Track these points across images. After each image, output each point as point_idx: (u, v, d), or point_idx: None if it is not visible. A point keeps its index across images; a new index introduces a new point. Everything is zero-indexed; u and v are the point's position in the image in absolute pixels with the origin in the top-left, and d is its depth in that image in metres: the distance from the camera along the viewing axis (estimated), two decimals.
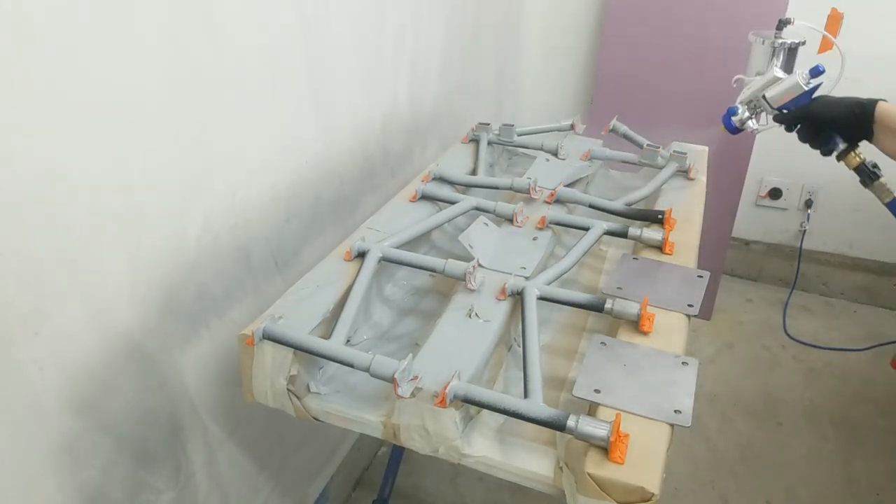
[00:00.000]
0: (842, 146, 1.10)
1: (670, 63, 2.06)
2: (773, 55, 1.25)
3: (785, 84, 1.13)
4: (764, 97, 1.16)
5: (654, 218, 1.10)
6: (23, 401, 0.65)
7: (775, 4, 1.90)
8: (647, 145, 1.31)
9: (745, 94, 1.22)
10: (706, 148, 1.41)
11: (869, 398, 1.96)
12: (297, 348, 0.77)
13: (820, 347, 2.16)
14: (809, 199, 2.34)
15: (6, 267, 0.61)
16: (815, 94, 1.12)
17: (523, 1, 2.19)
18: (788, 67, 1.24)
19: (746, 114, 1.22)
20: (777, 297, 2.44)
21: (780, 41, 1.25)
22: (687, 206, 1.15)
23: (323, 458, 1.34)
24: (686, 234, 1.07)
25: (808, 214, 2.36)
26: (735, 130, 1.25)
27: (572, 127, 1.44)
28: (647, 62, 2.09)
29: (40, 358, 0.66)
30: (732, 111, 1.23)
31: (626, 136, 1.39)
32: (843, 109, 1.07)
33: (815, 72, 1.11)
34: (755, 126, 1.23)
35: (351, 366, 0.75)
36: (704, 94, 2.05)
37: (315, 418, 0.80)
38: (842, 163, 1.12)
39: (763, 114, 1.20)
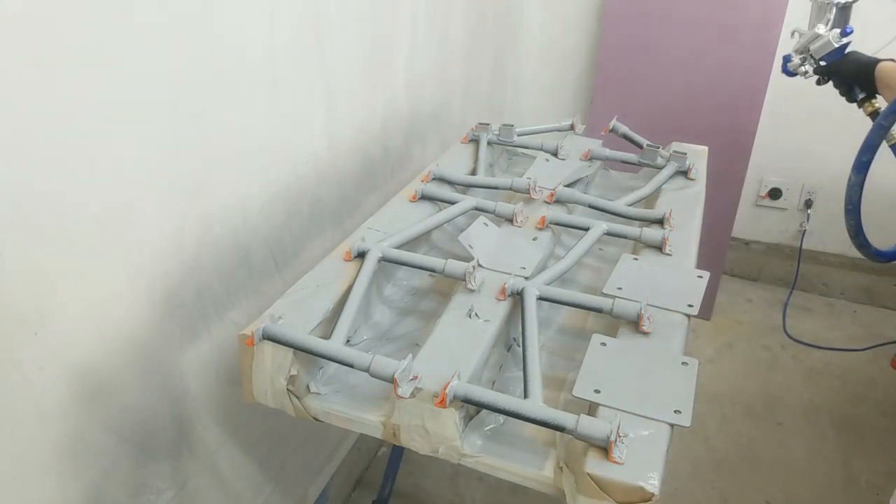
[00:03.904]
0: (860, 96, 1.28)
1: (670, 63, 2.06)
2: (824, 12, 1.34)
3: (821, 41, 1.30)
4: (808, 49, 1.33)
5: (654, 218, 1.10)
6: (23, 401, 0.65)
7: (775, 4, 1.90)
8: (647, 145, 1.31)
9: (796, 45, 1.38)
10: (706, 148, 1.41)
11: (869, 398, 1.96)
12: (297, 348, 0.77)
13: (820, 347, 2.16)
14: (809, 199, 2.34)
15: (6, 267, 0.61)
16: (848, 51, 1.30)
17: (523, 1, 2.19)
18: (840, 24, 1.34)
19: (797, 61, 1.38)
20: (777, 297, 2.43)
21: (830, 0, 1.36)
22: (687, 206, 1.15)
23: (323, 458, 1.34)
24: (686, 234, 1.07)
25: (808, 214, 2.36)
26: (791, 74, 1.42)
27: (572, 127, 1.44)
28: (647, 62, 2.09)
29: (40, 358, 0.66)
30: (787, 58, 1.41)
31: (626, 137, 1.39)
32: (856, 67, 1.26)
33: (845, 32, 1.28)
34: (808, 71, 1.38)
35: (351, 366, 0.75)
36: (704, 94, 2.05)
37: (315, 418, 0.80)
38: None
39: (808, 63, 1.36)
